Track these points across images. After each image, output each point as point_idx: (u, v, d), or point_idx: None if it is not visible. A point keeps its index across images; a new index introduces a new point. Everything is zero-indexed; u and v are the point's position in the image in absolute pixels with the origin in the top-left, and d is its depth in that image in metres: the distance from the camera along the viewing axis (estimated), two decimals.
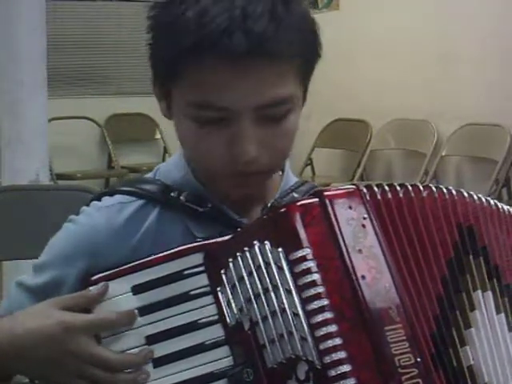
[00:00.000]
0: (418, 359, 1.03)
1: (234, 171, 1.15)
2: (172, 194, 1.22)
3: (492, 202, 1.18)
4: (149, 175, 1.30)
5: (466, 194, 1.15)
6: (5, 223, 2.63)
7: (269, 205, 1.21)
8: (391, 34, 5.91)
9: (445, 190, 1.13)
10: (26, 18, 4.03)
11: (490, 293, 1.12)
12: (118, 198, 1.24)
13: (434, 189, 1.13)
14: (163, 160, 6.17)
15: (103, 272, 1.13)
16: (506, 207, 1.20)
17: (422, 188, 1.12)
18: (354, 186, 1.09)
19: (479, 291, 1.11)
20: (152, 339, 1.10)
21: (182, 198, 1.22)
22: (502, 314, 1.12)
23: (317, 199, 1.07)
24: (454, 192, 1.14)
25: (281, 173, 1.29)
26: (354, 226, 1.06)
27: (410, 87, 5.82)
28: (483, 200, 1.17)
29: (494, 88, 5.40)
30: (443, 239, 1.10)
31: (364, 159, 6.15)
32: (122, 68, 6.74)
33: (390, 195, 1.10)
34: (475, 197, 1.16)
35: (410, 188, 1.11)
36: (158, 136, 6.70)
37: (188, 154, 1.23)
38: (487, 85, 5.44)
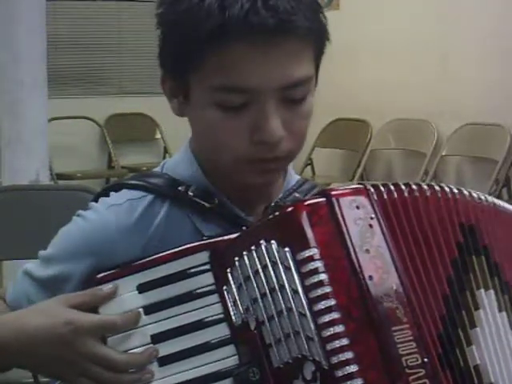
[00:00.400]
0: (425, 359, 1.03)
1: (256, 157, 1.15)
2: (180, 188, 1.21)
3: (490, 199, 1.18)
4: (156, 169, 1.29)
5: (466, 193, 1.15)
6: (5, 223, 2.63)
7: (272, 204, 1.21)
8: (391, 34, 5.91)
9: (447, 189, 1.13)
10: (26, 18, 4.03)
11: (492, 291, 1.12)
12: (126, 194, 1.23)
13: (436, 188, 1.13)
14: (163, 160, 6.16)
15: (110, 270, 1.13)
16: (504, 205, 1.20)
17: (425, 187, 1.12)
18: (361, 186, 1.09)
19: (482, 290, 1.11)
20: (157, 338, 1.10)
21: (189, 192, 1.21)
22: (504, 313, 1.12)
23: (324, 199, 1.07)
24: (455, 191, 1.14)
25: (283, 172, 1.29)
26: (362, 226, 1.06)
27: (410, 87, 5.83)
28: (482, 198, 1.17)
29: (494, 88, 5.40)
30: (447, 239, 1.10)
31: (364, 159, 6.15)
32: (122, 68, 6.73)
33: (395, 195, 1.09)
34: (475, 195, 1.16)
35: (415, 187, 1.11)
36: (158, 136, 6.70)
37: (208, 145, 1.20)
38: (487, 85, 5.44)
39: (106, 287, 1.11)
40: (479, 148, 5.51)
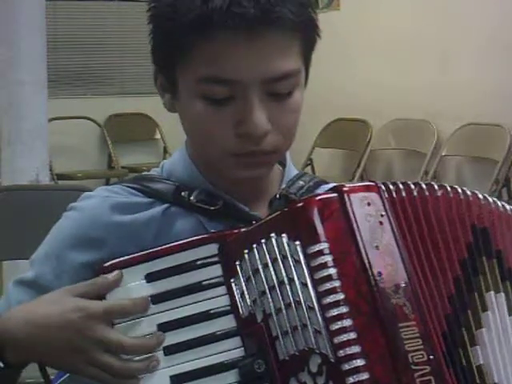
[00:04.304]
0: (431, 356, 1.03)
1: (242, 151, 1.15)
2: (182, 194, 1.22)
3: (508, 207, 1.17)
4: (153, 171, 1.29)
5: (480, 196, 1.15)
6: (5, 223, 2.63)
7: (277, 195, 1.21)
8: (391, 34, 5.92)
9: (459, 190, 1.13)
10: (26, 18, 4.03)
11: (502, 294, 1.12)
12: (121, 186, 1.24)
13: (448, 189, 1.12)
14: (163, 160, 6.16)
15: (116, 259, 1.13)
16: None
17: (436, 187, 1.12)
18: (372, 183, 1.09)
19: (492, 292, 1.11)
20: (164, 327, 1.10)
21: (192, 198, 1.21)
22: None
23: (335, 194, 1.07)
24: (468, 193, 1.14)
25: (281, 168, 1.30)
26: (372, 223, 1.06)
27: (410, 87, 5.83)
28: (499, 204, 1.16)
29: (494, 88, 5.41)
30: (457, 239, 1.10)
31: (364, 159, 6.16)
32: (123, 68, 6.75)
33: (404, 193, 1.10)
34: (490, 200, 1.16)
35: (425, 187, 1.11)
36: (157, 136, 6.71)
37: (196, 139, 1.21)
38: (487, 85, 5.44)
39: (111, 275, 1.11)
40: (479, 148, 5.52)
